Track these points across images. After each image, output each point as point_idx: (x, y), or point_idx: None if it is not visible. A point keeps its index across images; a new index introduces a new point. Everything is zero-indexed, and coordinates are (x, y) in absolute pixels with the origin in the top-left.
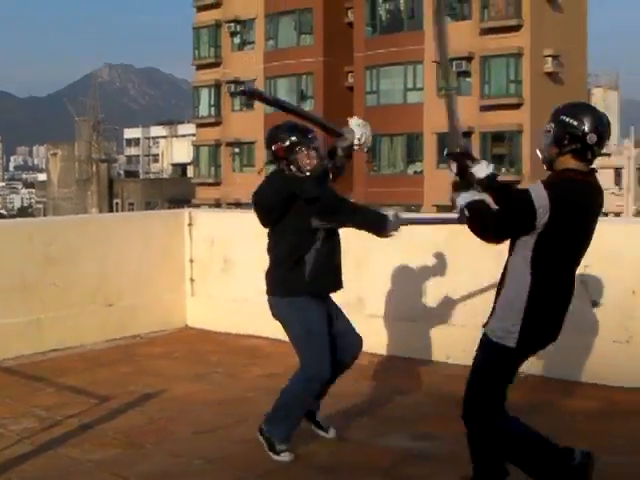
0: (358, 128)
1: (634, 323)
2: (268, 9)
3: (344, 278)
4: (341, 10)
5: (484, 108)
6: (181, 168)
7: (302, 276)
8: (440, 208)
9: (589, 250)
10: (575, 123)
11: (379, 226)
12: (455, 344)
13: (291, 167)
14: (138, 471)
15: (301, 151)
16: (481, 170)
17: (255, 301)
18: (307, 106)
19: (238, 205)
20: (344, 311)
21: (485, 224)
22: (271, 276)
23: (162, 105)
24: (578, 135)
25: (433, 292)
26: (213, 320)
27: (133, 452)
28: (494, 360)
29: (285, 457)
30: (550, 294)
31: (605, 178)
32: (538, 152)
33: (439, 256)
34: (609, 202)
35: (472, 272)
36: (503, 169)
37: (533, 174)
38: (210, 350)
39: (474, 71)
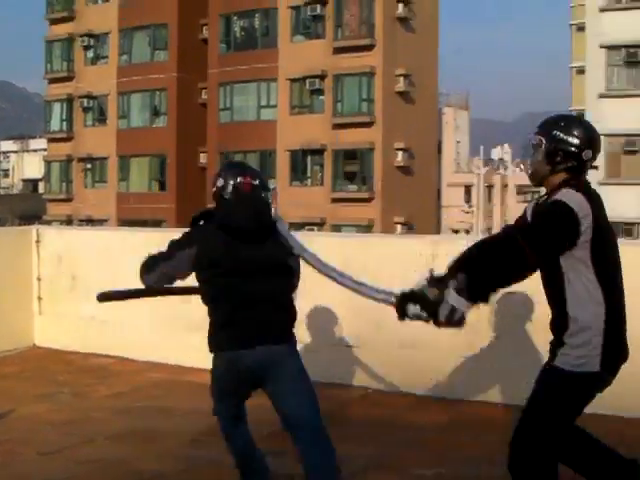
0: None
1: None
2: (122, 24)
3: None
4: (196, 26)
5: (337, 126)
6: (32, 184)
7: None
8: (293, 225)
9: None
10: (570, 139)
11: None
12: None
13: None
14: None
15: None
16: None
17: (103, 319)
18: (160, 122)
19: (90, 222)
20: None
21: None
22: (284, 322)
23: (14, 118)
24: (573, 152)
25: None
26: (61, 339)
27: None
28: (571, 391)
29: None
30: (617, 307)
31: (455, 195)
32: (523, 166)
33: None
34: (458, 219)
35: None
36: (355, 187)
37: (384, 191)
38: (58, 370)
39: (327, 89)
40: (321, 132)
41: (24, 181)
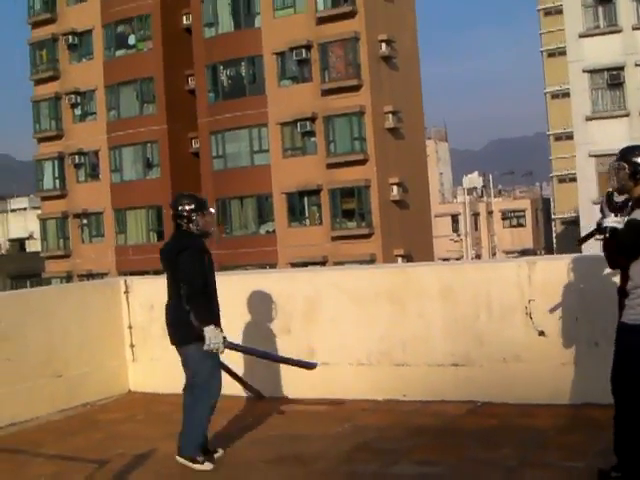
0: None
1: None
2: (108, 80)
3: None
4: (182, 78)
5: (331, 165)
6: (19, 243)
7: None
8: (295, 265)
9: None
10: None
11: (200, 322)
12: (411, 382)
13: (190, 225)
14: None
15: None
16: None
17: None
18: (154, 174)
19: (90, 276)
20: None
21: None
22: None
23: None
24: None
25: (382, 336)
26: (157, 383)
27: None
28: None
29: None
30: None
31: (442, 225)
32: (613, 182)
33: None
34: (447, 248)
35: (420, 315)
36: (354, 223)
37: (383, 226)
38: (169, 410)
39: (318, 131)
40: (316, 173)
41: (10, 241)
